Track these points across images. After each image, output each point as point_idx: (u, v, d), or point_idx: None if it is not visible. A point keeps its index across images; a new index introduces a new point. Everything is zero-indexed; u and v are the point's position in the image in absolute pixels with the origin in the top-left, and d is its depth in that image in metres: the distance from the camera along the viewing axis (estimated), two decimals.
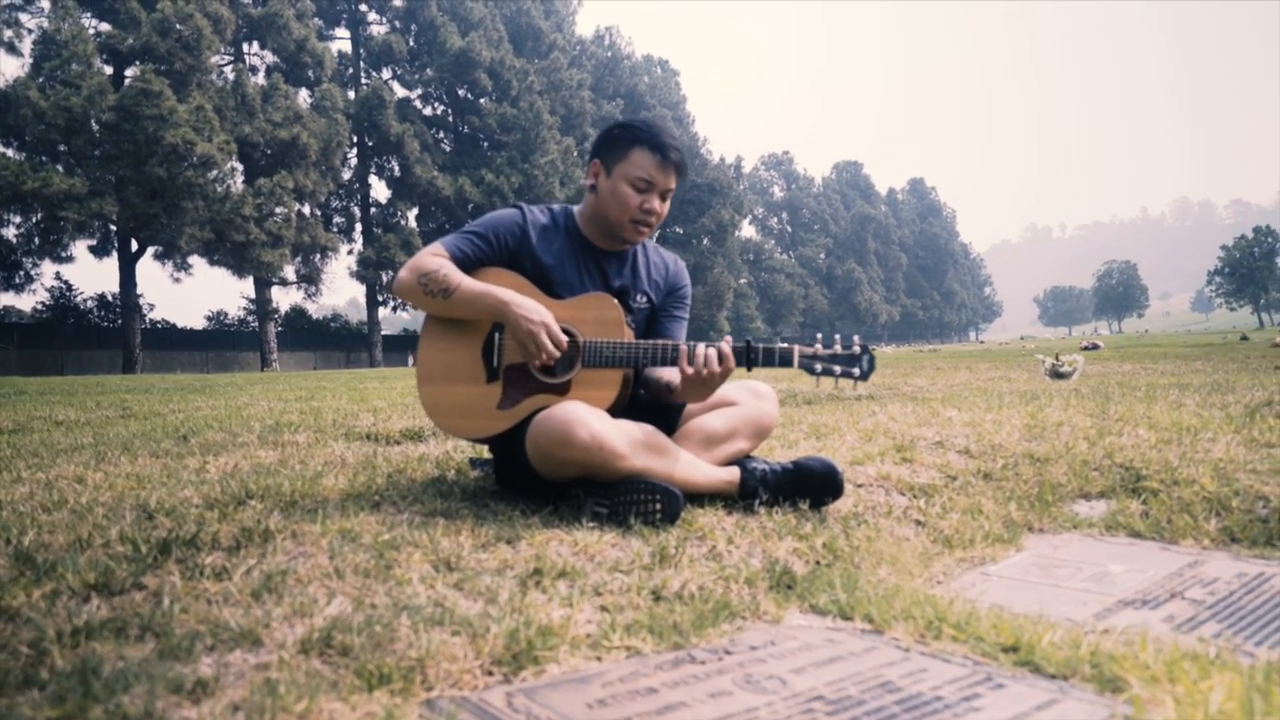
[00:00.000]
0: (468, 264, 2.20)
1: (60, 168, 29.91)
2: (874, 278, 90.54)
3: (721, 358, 2.01)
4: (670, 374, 2.16)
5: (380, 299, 45.17)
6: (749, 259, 74.46)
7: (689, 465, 2.10)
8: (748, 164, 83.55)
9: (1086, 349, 15.99)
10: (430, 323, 2.24)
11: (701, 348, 2.03)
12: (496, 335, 2.19)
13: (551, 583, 1.55)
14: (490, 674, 1.22)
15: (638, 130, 2.19)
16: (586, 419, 1.94)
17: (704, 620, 1.45)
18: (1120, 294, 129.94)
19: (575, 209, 2.35)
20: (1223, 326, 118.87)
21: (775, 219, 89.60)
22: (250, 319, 43.82)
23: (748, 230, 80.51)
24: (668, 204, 2.25)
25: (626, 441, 1.98)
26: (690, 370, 2.02)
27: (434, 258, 2.17)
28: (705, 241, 57.11)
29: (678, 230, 56.77)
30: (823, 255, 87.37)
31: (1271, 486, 2.22)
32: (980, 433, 3.05)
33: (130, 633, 1.24)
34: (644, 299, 2.35)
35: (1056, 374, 7.08)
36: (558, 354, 2.08)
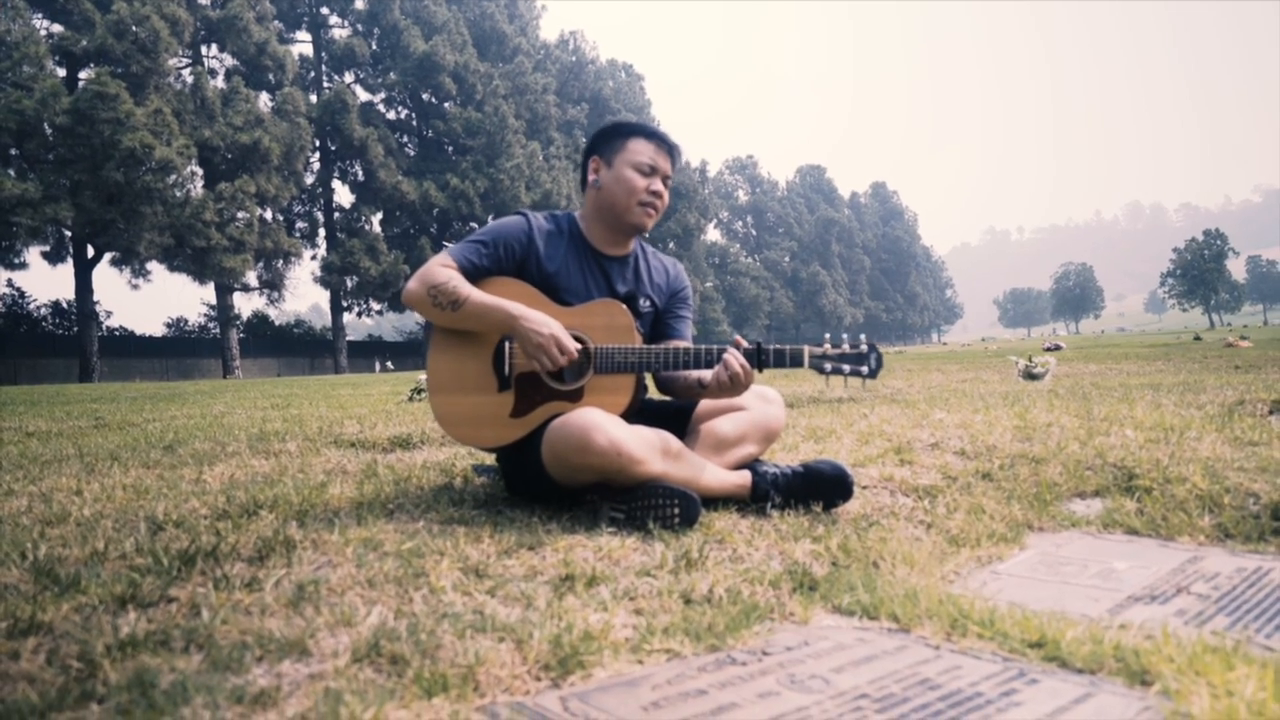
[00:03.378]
0: (476, 274, 2.21)
1: (12, 172, 29.18)
2: (838, 280, 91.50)
3: (744, 369, 2.06)
4: (701, 371, 2.19)
5: (345, 304, 44.65)
6: (714, 262, 74.84)
7: (703, 470, 2.13)
8: (712, 168, 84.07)
9: (1050, 350, 16.31)
10: (439, 333, 2.25)
11: (725, 358, 2.08)
12: (506, 344, 2.19)
13: (584, 588, 1.56)
14: (539, 679, 1.23)
15: (631, 124, 2.31)
16: (604, 425, 1.96)
17: (737, 622, 1.47)
18: (1077, 295, 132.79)
19: (577, 214, 2.37)
20: (1175, 327, 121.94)
21: (740, 222, 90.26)
22: (211, 325, 43.11)
23: (713, 234, 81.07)
24: (668, 192, 2.32)
25: (644, 447, 2.00)
26: (724, 377, 2.07)
27: (443, 269, 2.17)
28: (671, 245, 57.37)
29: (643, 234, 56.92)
30: (787, 258, 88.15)
31: (1260, 484, 2.30)
32: (973, 434, 3.11)
33: (175, 645, 1.23)
34: (648, 303, 2.39)
35: (1030, 375, 7.24)
36: (569, 364, 2.10)
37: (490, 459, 2.68)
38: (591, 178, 2.31)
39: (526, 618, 1.40)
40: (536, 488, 2.19)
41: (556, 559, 1.72)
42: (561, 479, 2.07)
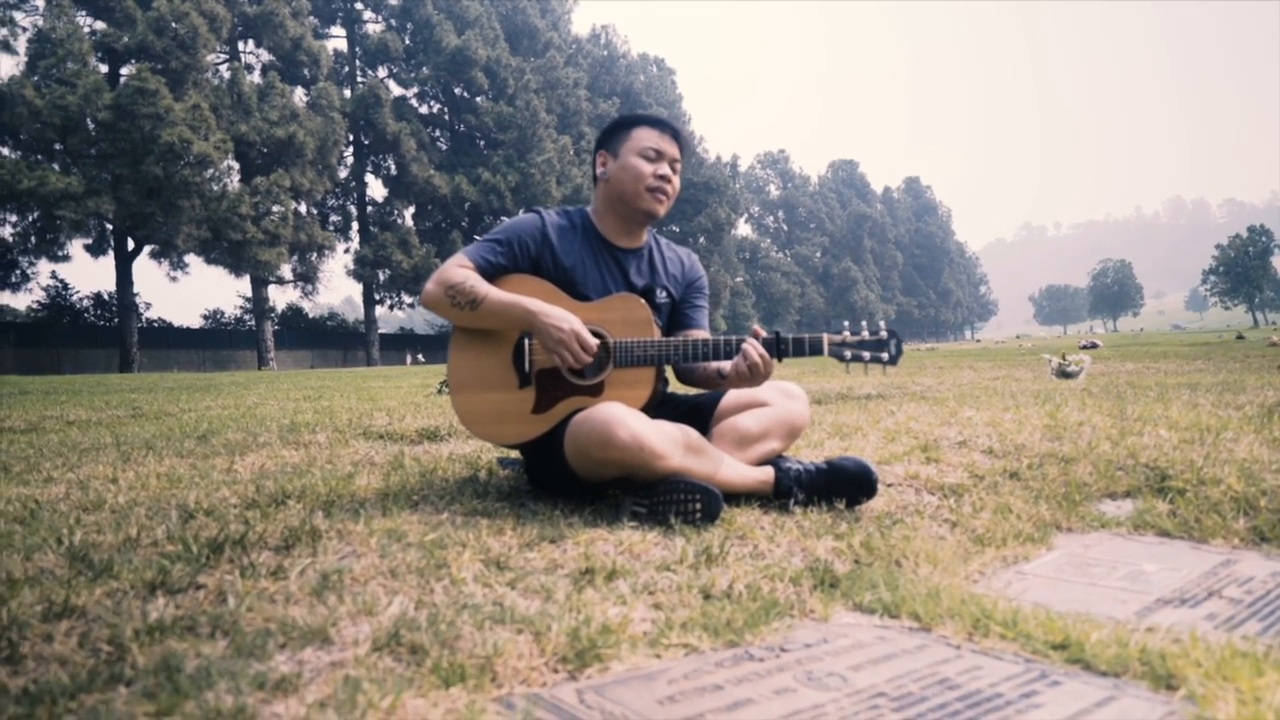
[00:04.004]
0: (492, 272, 2.22)
1: (56, 166, 29.84)
2: (870, 276, 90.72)
3: (763, 360, 2.05)
4: (721, 362, 2.20)
5: (377, 297, 45.12)
6: (745, 257, 74.56)
7: (726, 465, 2.12)
8: (744, 162, 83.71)
9: (1086, 348, 16.05)
10: (459, 332, 2.26)
11: (744, 349, 2.07)
12: (526, 341, 2.21)
13: (604, 582, 1.57)
14: (556, 671, 1.24)
15: (634, 115, 2.33)
16: (626, 419, 1.96)
17: (756, 618, 1.46)
18: (1115, 293, 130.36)
19: (588, 209, 2.39)
20: (1217, 325, 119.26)
21: (771, 217, 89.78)
22: (247, 318, 43.77)
23: (744, 229, 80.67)
24: (679, 179, 2.32)
25: (666, 441, 2.00)
26: (743, 367, 2.06)
27: (460, 269, 2.19)
28: (701, 240, 57.21)
29: (674, 228, 56.85)
30: (819, 254, 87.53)
31: None
32: (1002, 433, 3.08)
33: (202, 630, 1.26)
34: (664, 294, 2.39)
35: (1064, 374, 7.12)
36: (589, 360, 2.11)
37: (515, 453, 2.70)
38: (600, 171, 2.33)
39: (545, 610, 1.41)
40: (559, 482, 2.20)
41: (577, 552, 1.72)
42: (584, 473, 2.08)
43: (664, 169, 2.25)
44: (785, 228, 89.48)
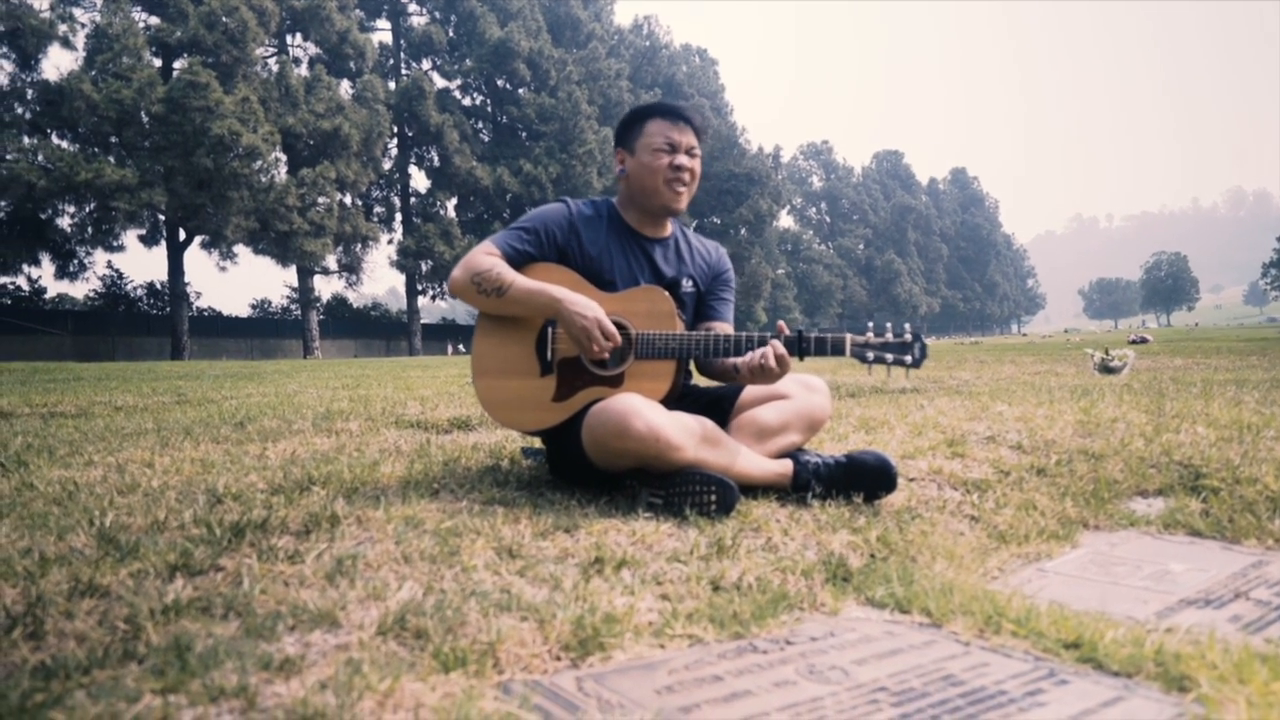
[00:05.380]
0: (519, 260, 2.24)
1: (112, 159, 30.65)
2: (914, 269, 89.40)
3: (779, 360, 2.04)
4: (736, 358, 2.20)
5: (420, 288, 45.64)
6: (787, 249, 73.94)
7: (743, 457, 2.12)
8: (786, 153, 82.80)
9: (1135, 342, 15.66)
10: (484, 319, 2.29)
11: (760, 349, 2.07)
12: (549, 329, 2.22)
13: (613, 571, 1.58)
14: (558, 659, 1.25)
15: (646, 107, 2.32)
16: (643, 410, 1.97)
17: (763, 611, 1.46)
18: (1169, 286, 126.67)
19: (614, 199, 2.40)
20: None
21: (814, 209, 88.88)
22: (293, 307, 44.58)
23: (786, 220, 79.97)
24: (698, 163, 2.32)
25: (682, 433, 2.00)
26: (754, 364, 2.06)
27: (486, 256, 2.21)
28: (743, 232, 56.84)
29: (715, 220, 56.57)
30: (862, 246, 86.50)
31: None
32: (1032, 428, 3.02)
33: (216, 611, 1.29)
34: (690, 284, 2.40)
35: (1106, 369, 6.96)
36: (610, 347, 2.12)
37: (539, 443, 2.72)
38: (619, 169, 2.35)
39: (552, 599, 1.42)
40: (578, 471, 2.22)
41: (589, 542, 1.74)
42: (601, 463, 2.09)
43: (680, 159, 2.24)
44: (828, 219, 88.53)
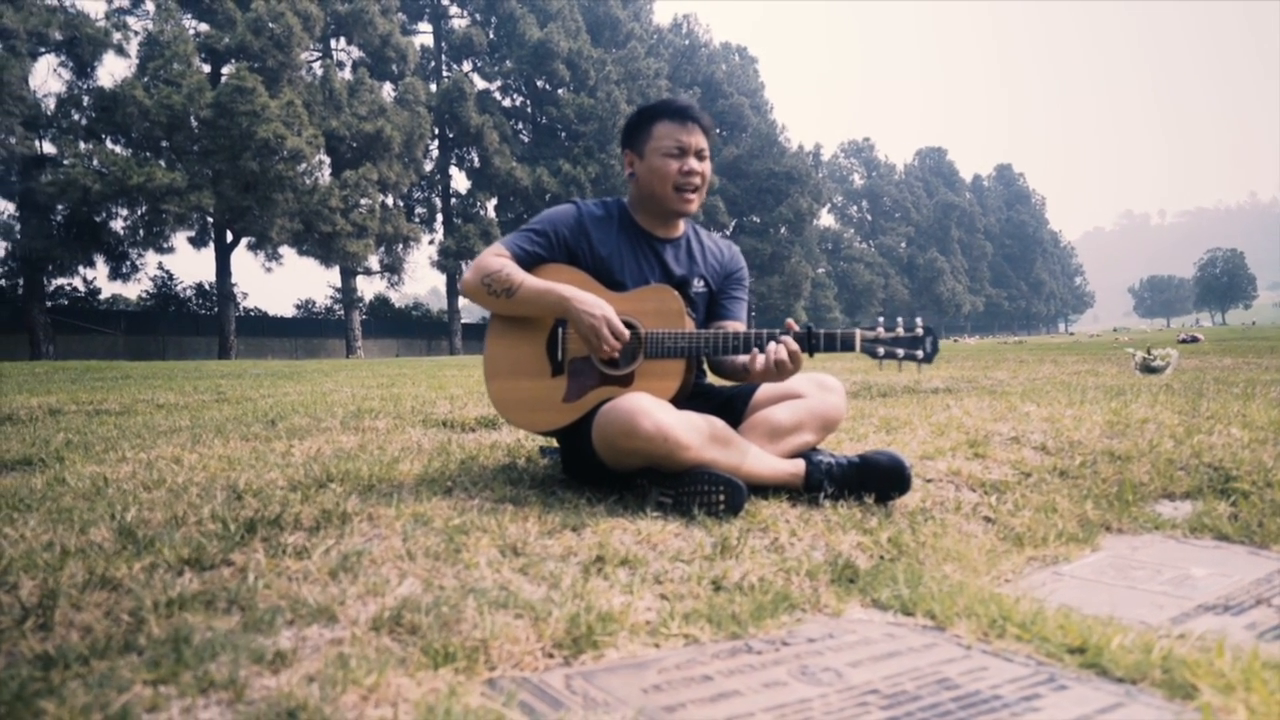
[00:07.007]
0: (529, 261, 2.26)
1: (162, 163, 31.39)
2: (957, 267, 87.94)
3: (792, 356, 2.02)
4: (745, 355, 2.19)
5: (459, 288, 46.04)
6: (827, 248, 73.27)
7: (754, 457, 2.11)
8: (827, 151, 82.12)
9: (1185, 341, 15.25)
10: (495, 320, 2.31)
11: (770, 346, 2.05)
12: (560, 330, 2.24)
13: (613, 570, 1.59)
14: (551, 656, 1.26)
15: (652, 108, 2.29)
16: (651, 410, 1.97)
17: (763, 611, 1.46)
18: (1224, 284, 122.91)
19: (625, 200, 2.40)
20: None
21: (855, 207, 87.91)
22: (336, 307, 45.28)
23: (826, 219, 79.18)
24: (708, 165, 2.30)
25: (691, 432, 2.00)
26: (759, 365, 2.05)
27: (496, 258, 2.24)
28: (782, 230, 56.43)
29: (755, 219, 56.27)
30: (904, 244, 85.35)
31: None
32: (1058, 429, 2.96)
33: (219, 605, 1.32)
34: (702, 283, 2.39)
35: (1148, 368, 6.79)
36: (619, 346, 2.12)
37: (557, 442, 2.74)
38: (628, 172, 2.34)
39: (549, 596, 1.43)
40: (589, 471, 2.23)
41: (594, 540, 1.74)
42: (611, 463, 2.09)
43: (690, 163, 2.23)
44: (869, 218, 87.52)
